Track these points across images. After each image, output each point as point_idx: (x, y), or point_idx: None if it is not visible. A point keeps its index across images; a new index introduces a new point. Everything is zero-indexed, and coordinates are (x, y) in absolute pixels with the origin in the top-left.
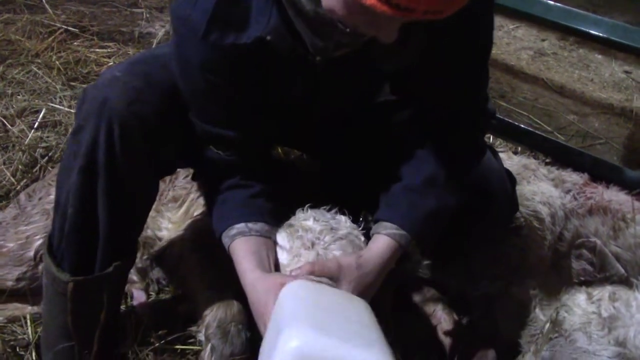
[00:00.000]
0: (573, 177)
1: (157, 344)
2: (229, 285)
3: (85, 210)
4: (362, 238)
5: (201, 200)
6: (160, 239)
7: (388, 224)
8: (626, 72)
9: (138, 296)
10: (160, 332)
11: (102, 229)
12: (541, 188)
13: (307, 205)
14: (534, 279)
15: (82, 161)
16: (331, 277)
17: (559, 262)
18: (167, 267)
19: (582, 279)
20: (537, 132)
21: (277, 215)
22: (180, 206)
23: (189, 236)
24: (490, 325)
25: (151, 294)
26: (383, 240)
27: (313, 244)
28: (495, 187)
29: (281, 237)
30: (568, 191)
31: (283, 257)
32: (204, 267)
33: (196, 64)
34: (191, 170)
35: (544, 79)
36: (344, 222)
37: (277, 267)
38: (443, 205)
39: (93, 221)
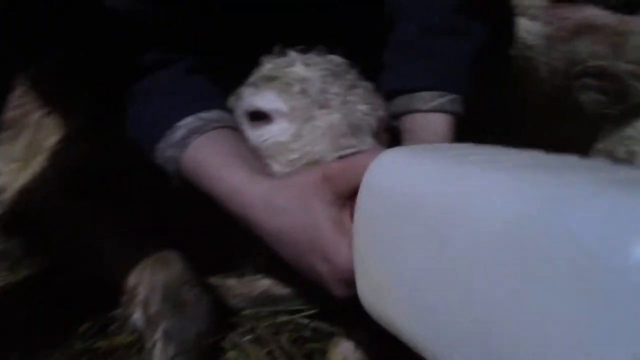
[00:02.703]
0: (533, 1)
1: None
2: (145, 233)
3: None
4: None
5: (53, 120)
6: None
7: (434, 94)
8: None
9: None
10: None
11: None
12: None
13: (275, 48)
14: (537, 124)
15: None
16: None
17: (560, 102)
18: (23, 229)
19: (605, 111)
20: None
21: (226, 94)
22: (19, 134)
23: (56, 175)
24: None
25: None
26: (445, 121)
27: (327, 100)
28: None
29: (267, 99)
30: (534, 17)
31: (280, 129)
32: (102, 215)
33: None
34: None
35: None
36: (341, 63)
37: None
38: (481, 39)
39: None
